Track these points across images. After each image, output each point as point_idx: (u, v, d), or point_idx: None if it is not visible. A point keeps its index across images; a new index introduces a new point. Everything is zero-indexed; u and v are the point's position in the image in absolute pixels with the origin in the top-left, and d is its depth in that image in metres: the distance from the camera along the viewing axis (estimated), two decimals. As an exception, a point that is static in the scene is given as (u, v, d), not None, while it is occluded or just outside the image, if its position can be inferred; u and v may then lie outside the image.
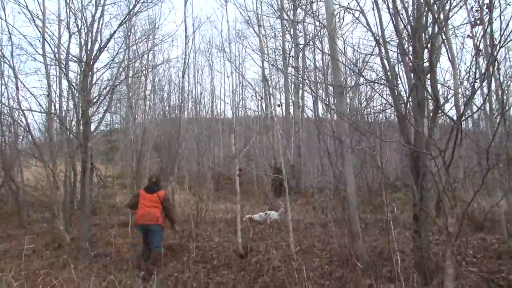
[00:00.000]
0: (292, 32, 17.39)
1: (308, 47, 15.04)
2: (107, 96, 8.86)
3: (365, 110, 9.76)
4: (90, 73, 8.18)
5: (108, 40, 8.25)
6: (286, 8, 16.91)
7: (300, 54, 17.11)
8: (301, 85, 15.79)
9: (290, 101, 18.26)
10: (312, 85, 10.42)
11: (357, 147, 6.49)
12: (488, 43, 4.13)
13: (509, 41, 3.74)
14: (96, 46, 8.19)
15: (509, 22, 3.57)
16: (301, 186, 16.70)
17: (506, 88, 8.31)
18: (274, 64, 15.10)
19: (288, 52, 17.89)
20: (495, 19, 4.27)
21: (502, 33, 3.53)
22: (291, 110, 18.09)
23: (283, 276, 5.66)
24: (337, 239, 6.74)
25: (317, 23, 8.22)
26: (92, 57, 8.11)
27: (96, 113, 9.02)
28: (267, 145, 16.81)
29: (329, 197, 9.19)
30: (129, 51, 11.51)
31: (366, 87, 9.34)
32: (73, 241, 8.54)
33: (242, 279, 6.26)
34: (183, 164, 18.90)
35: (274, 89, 18.98)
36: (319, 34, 8.57)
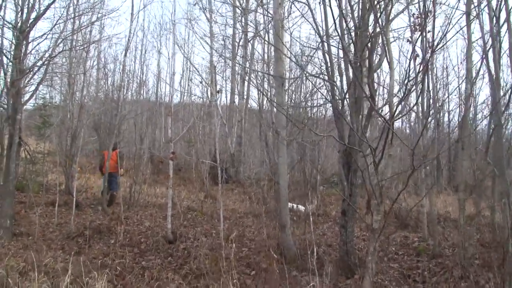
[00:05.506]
0: (243, 21, 17.23)
1: (259, 37, 15.02)
2: (41, 68, 8.38)
3: (306, 104, 9.84)
4: (24, 41, 7.73)
5: (46, 8, 7.80)
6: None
7: (250, 44, 17.06)
8: (246, 75, 15.74)
9: (236, 90, 18.17)
10: (256, 75, 10.43)
11: (292, 139, 6.50)
12: (421, 47, 4.24)
13: (440, 47, 3.86)
14: (34, 14, 7.76)
15: (446, 29, 3.69)
16: (240, 175, 16.72)
17: (436, 92, 8.64)
18: (222, 52, 14.93)
19: (237, 41, 17.76)
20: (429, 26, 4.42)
21: (432, 40, 3.64)
22: (236, 99, 18.01)
23: (209, 263, 5.62)
24: (267, 230, 6.78)
25: (266, 13, 8.18)
26: (28, 25, 7.68)
27: (29, 84, 8.50)
28: (209, 132, 16.65)
29: (263, 188, 9.24)
30: (73, 23, 10.88)
31: (310, 81, 9.43)
32: (-7, 219, 8.08)
33: (168, 265, 6.17)
34: (123, 145, 18.34)
35: (221, 77, 18.85)
36: (267, 25, 8.54)
